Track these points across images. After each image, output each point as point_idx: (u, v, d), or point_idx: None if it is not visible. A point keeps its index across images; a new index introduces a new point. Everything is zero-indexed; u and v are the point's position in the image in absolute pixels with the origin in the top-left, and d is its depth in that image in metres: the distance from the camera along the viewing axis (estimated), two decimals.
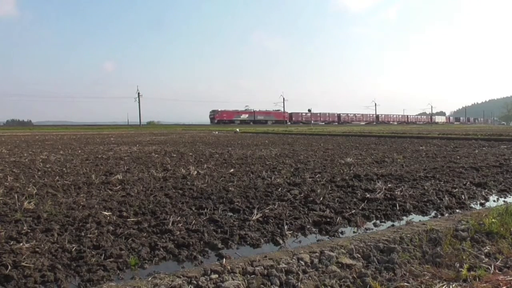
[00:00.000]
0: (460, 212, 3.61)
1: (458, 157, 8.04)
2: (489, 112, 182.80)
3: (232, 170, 6.26)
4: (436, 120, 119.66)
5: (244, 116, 76.73)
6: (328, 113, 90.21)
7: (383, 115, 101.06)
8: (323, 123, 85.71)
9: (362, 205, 3.79)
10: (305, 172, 6.00)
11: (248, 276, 2.07)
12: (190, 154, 9.59)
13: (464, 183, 4.99)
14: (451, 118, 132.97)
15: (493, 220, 2.89)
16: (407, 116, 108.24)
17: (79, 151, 10.68)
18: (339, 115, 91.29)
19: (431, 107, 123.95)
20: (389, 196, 4.16)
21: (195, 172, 5.96)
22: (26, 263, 2.26)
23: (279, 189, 4.54)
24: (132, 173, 5.95)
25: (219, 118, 73.09)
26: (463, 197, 4.16)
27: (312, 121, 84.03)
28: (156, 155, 9.22)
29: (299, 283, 2.01)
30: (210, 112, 74.54)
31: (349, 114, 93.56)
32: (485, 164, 6.81)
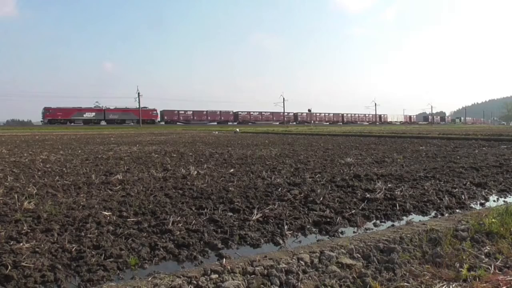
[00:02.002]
0: (460, 212, 3.61)
1: (458, 157, 8.04)
2: (489, 112, 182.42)
3: (232, 170, 6.26)
4: (389, 120, 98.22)
5: (89, 115, 63.16)
6: (220, 111, 74.44)
7: (304, 114, 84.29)
8: (215, 123, 71.27)
9: (362, 205, 3.79)
10: (305, 172, 6.00)
11: (248, 276, 2.07)
12: (190, 154, 9.59)
13: (464, 183, 4.99)
14: (414, 117, 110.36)
15: (493, 220, 2.89)
16: (342, 114, 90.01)
17: (79, 151, 10.68)
18: (236, 114, 75.78)
19: (431, 107, 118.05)
20: (389, 196, 4.16)
21: (195, 172, 5.96)
22: (26, 263, 2.26)
23: (279, 189, 4.54)
24: (132, 173, 5.95)
25: (51, 117, 59.83)
26: (463, 197, 4.16)
27: (194, 120, 70.32)
28: (156, 155, 9.22)
29: (299, 283, 2.01)
30: (42, 109, 61.04)
31: (251, 113, 76.72)
32: (485, 164, 6.81)
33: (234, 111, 76.46)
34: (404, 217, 3.46)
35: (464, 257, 2.33)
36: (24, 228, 2.95)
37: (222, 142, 15.19)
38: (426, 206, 3.80)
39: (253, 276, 2.07)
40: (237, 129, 33.54)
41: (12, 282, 2.08)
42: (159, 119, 69.27)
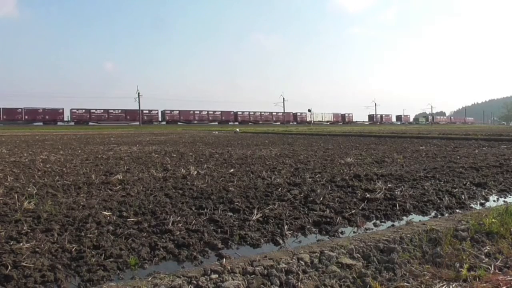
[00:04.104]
0: (460, 212, 3.61)
1: (458, 157, 8.04)
2: (489, 112, 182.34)
3: (232, 170, 6.26)
4: (309, 119, 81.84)
5: None
6: (44, 108, 62.31)
7: (185, 112, 74.23)
8: (41, 123, 59.73)
9: (362, 205, 3.79)
10: (305, 172, 5.99)
11: (248, 276, 2.07)
12: (190, 154, 9.59)
13: (464, 183, 4.99)
14: (349, 116, 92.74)
15: (493, 220, 2.89)
16: (236, 112, 78.77)
17: (79, 151, 10.68)
18: (88, 111, 65.38)
19: (431, 107, 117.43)
20: (389, 196, 4.16)
21: (195, 172, 5.96)
22: (26, 263, 2.26)
23: (279, 189, 4.54)
24: (132, 173, 5.94)
25: None
26: (463, 197, 4.16)
27: (4, 120, 56.93)
28: (156, 155, 9.22)
29: (299, 283, 2.01)
30: None
31: (110, 110, 67.31)
32: (485, 164, 6.81)
33: (86, 109, 65.50)
34: (404, 217, 3.46)
35: (464, 257, 2.33)
36: (24, 228, 2.95)
37: (222, 142, 15.20)
38: (426, 206, 3.80)
39: (253, 276, 2.07)
40: (237, 129, 33.58)
41: (12, 282, 2.08)
42: None
